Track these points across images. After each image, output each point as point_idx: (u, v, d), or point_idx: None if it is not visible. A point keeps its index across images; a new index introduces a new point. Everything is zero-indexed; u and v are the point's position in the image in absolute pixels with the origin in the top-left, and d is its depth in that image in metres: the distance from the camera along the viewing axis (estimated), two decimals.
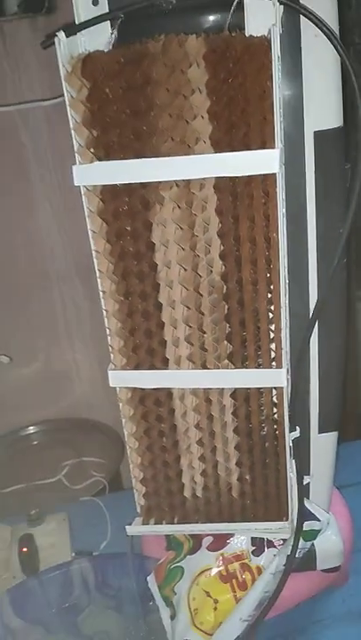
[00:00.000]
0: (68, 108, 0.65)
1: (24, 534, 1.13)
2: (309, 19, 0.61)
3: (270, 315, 0.71)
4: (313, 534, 0.86)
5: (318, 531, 0.86)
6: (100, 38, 0.67)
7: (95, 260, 0.71)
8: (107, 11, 0.66)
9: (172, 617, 0.90)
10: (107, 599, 0.99)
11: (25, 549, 1.09)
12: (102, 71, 0.63)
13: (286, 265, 0.71)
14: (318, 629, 0.98)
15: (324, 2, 0.63)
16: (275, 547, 0.88)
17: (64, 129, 0.68)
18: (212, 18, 0.65)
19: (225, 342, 0.74)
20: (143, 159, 0.65)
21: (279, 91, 0.62)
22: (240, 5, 0.63)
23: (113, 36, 0.66)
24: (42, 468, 1.65)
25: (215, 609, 0.86)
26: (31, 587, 0.99)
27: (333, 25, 0.64)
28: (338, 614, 1.00)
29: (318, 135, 0.68)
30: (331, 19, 0.63)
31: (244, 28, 0.63)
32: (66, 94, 0.65)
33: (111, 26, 0.66)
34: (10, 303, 1.77)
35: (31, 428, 1.84)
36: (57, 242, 1.76)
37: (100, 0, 0.66)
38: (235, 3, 0.61)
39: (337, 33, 0.64)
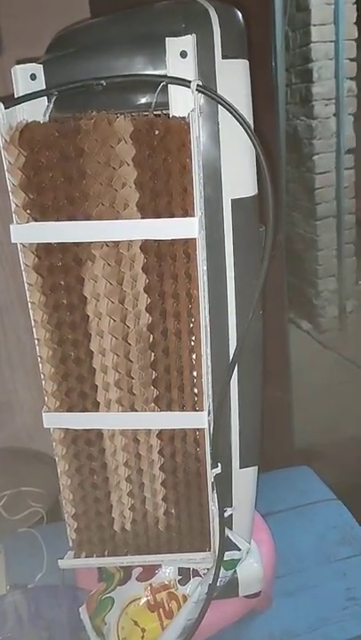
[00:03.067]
0: (7, 173, 0.71)
1: None
2: (225, 107, 0.69)
3: (193, 362, 0.78)
4: (234, 563, 0.93)
5: (238, 560, 0.93)
6: (38, 108, 0.73)
7: (31, 311, 0.77)
8: (43, 86, 0.72)
9: None
10: (40, 631, 1.02)
11: None
12: (38, 142, 0.69)
13: (207, 316, 0.79)
14: None
15: (239, 89, 0.72)
16: (200, 575, 0.94)
17: None
18: (140, 97, 0.72)
19: (151, 387, 0.80)
20: (75, 221, 0.72)
21: (199, 166, 0.70)
22: (166, 87, 0.70)
23: (50, 107, 0.73)
24: None
25: (143, 637, 0.91)
26: None
27: (247, 109, 0.72)
28: (260, 637, 1.06)
29: (235, 202, 0.76)
30: (244, 103, 0.72)
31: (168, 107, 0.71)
32: (4, 160, 0.70)
33: (47, 99, 0.72)
34: None
35: None
36: None
37: (37, 75, 0.72)
38: (159, 88, 0.69)
39: (250, 114, 0.73)
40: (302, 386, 2.03)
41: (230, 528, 0.93)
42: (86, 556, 0.90)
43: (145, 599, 0.94)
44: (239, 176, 0.76)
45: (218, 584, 0.89)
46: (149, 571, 0.95)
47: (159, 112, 0.71)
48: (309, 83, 2.75)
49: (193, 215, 0.71)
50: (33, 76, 0.73)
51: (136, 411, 0.81)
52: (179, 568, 0.95)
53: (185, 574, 0.94)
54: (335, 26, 2.69)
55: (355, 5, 2.70)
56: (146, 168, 0.70)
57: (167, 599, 0.94)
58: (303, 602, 1.12)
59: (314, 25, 2.67)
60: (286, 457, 1.85)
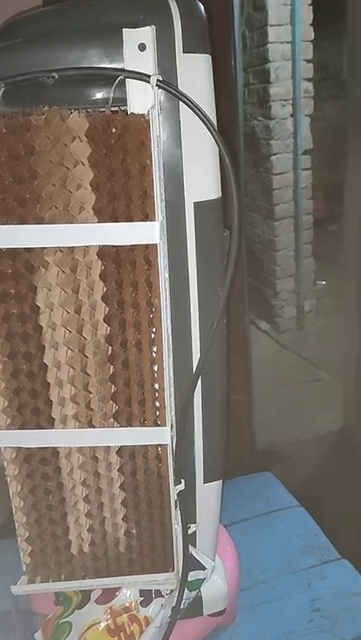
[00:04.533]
0: None
1: None
2: (187, 104, 0.65)
3: (154, 375, 0.74)
4: (198, 584, 0.89)
5: (203, 580, 0.89)
6: None
7: None
8: None
9: None
10: None
11: None
12: None
13: (169, 326, 0.74)
14: None
15: (201, 86, 0.68)
16: (163, 596, 0.90)
17: None
18: (95, 92, 0.67)
19: (110, 402, 0.75)
20: (26, 225, 0.66)
21: (159, 167, 0.65)
22: (124, 81, 0.66)
23: None
24: None
25: None
26: None
27: (210, 107, 0.68)
28: None
29: (198, 205, 0.72)
30: (207, 101, 0.68)
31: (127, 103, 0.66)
32: None
33: None
34: None
35: None
36: None
37: None
38: (115, 83, 0.64)
39: (213, 112, 0.69)
40: (262, 386, 2.01)
41: (194, 545, 0.89)
42: (41, 581, 0.84)
43: (105, 623, 0.89)
44: (202, 178, 0.71)
45: (182, 606, 0.85)
46: (109, 593, 0.90)
47: (117, 108, 0.66)
48: (267, 83, 2.74)
49: (153, 219, 0.66)
50: None
51: (94, 427, 0.75)
52: (140, 589, 0.90)
53: (147, 595, 0.90)
54: (292, 27, 2.68)
55: (311, 7, 2.70)
56: (103, 168, 0.65)
57: (128, 622, 0.89)
58: (268, 615, 1.09)
59: (271, 25, 2.66)
60: (248, 459, 1.83)
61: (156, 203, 0.65)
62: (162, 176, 0.67)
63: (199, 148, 0.70)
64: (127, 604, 0.90)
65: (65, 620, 0.91)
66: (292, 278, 3.09)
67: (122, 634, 0.88)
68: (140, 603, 0.90)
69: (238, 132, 2.93)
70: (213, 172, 0.72)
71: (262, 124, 2.86)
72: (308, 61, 2.77)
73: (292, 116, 2.81)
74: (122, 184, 0.65)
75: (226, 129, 0.86)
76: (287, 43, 2.71)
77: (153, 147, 0.63)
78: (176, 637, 0.89)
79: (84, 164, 0.64)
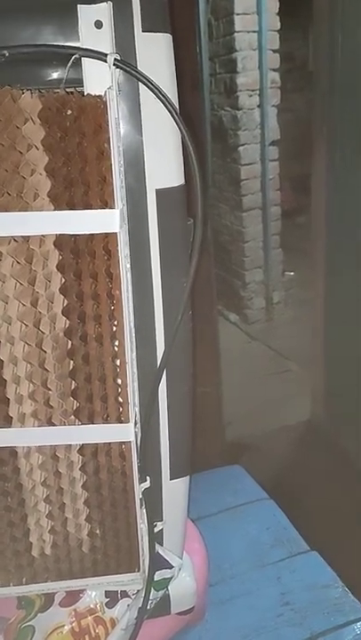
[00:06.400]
0: None
1: None
2: (146, 85, 0.62)
3: (117, 370, 0.71)
4: (165, 583, 0.86)
5: (170, 578, 0.87)
6: None
7: None
8: None
9: None
10: None
11: None
12: None
13: (132, 319, 0.71)
14: None
15: (162, 66, 0.64)
16: (129, 596, 0.87)
17: None
18: (49, 72, 0.63)
19: (71, 398, 0.72)
20: None
21: (118, 152, 0.62)
22: (79, 60, 0.62)
23: None
24: None
25: None
26: None
27: (171, 89, 0.65)
28: None
29: (160, 193, 0.69)
30: (168, 82, 0.65)
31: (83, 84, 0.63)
32: None
33: None
34: None
35: None
36: None
37: None
38: (70, 62, 0.60)
39: (174, 95, 0.66)
40: (231, 378, 2.00)
41: (161, 544, 0.87)
42: (2, 586, 0.81)
43: (69, 626, 0.86)
44: (164, 164, 0.68)
45: (149, 606, 0.83)
46: (73, 595, 0.87)
47: (72, 89, 0.62)
48: (234, 73, 2.71)
49: (113, 207, 0.63)
50: None
51: (54, 425, 0.72)
52: (105, 590, 0.87)
53: (112, 596, 0.87)
54: (258, 16, 2.66)
55: None
56: (58, 153, 0.61)
57: (93, 624, 0.86)
58: (237, 611, 1.08)
59: (237, 14, 2.63)
60: (217, 452, 1.82)
61: (116, 189, 0.62)
62: (121, 161, 0.64)
63: (161, 132, 0.67)
64: (92, 606, 0.87)
65: (28, 624, 0.87)
66: (261, 269, 3.08)
67: (87, 636, 0.85)
68: (106, 604, 0.88)
69: (205, 121, 2.90)
70: (176, 158, 0.69)
71: (230, 115, 2.83)
72: (274, 51, 2.75)
73: (259, 106, 2.79)
74: (79, 169, 0.62)
75: (191, 118, 0.83)
76: (254, 32, 2.68)
77: (111, 130, 0.60)
78: (144, 637, 0.86)
79: (37, 148, 0.61)
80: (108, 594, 0.87)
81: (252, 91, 2.76)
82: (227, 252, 3.12)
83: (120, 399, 0.72)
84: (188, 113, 0.69)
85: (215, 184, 3.07)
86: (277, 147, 2.90)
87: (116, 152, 0.61)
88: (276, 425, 2.21)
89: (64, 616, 0.86)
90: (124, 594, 0.87)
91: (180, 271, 0.73)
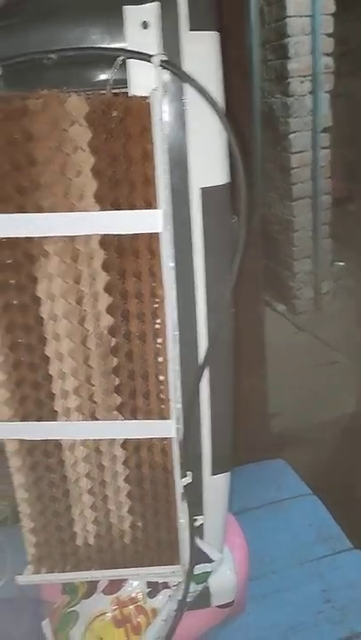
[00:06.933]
0: None
1: None
2: (192, 85, 0.61)
3: (159, 367, 0.72)
4: (205, 576, 0.87)
5: (210, 572, 0.88)
6: None
7: None
8: None
9: None
10: None
11: None
12: None
13: (175, 317, 0.72)
14: None
15: (208, 65, 0.64)
16: (170, 588, 0.89)
17: None
18: (95, 74, 0.64)
19: (114, 394, 0.73)
20: (25, 214, 0.64)
21: (163, 152, 0.63)
22: (125, 62, 0.62)
23: None
24: None
25: None
26: None
27: (217, 88, 0.64)
28: None
29: (205, 192, 0.69)
30: (214, 81, 0.64)
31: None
32: None
33: None
34: None
35: None
36: None
37: None
38: (116, 64, 0.61)
39: (220, 93, 0.65)
40: (277, 369, 1.98)
41: (201, 538, 0.88)
42: (47, 572, 0.84)
43: (111, 614, 0.88)
44: (209, 163, 0.68)
45: (188, 599, 0.84)
46: (116, 583, 0.89)
47: (117, 91, 0.63)
48: (285, 59, 2.66)
49: (157, 207, 0.63)
50: None
51: (97, 419, 0.74)
52: (147, 581, 0.89)
53: (154, 586, 0.89)
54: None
55: None
56: (103, 154, 0.62)
57: (135, 613, 0.88)
58: (278, 606, 1.08)
59: None
60: (262, 444, 1.81)
61: (160, 190, 0.63)
62: (166, 161, 0.64)
63: (205, 131, 0.66)
64: (134, 595, 0.89)
65: (72, 609, 0.90)
66: (310, 259, 3.03)
67: (128, 625, 0.87)
68: (148, 594, 0.89)
69: (254, 110, 2.86)
70: (221, 157, 0.69)
71: (280, 102, 2.78)
72: (328, 35, 2.68)
73: (311, 92, 2.73)
74: (124, 170, 0.62)
75: (237, 109, 0.82)
76: (307, 16, 2.62)
77: (156, 131, 0.61)
78: (184, 628, 0.88)
79: (84, 150, 0.62)
80: (149, 584, 0.89)
81: (304, 77, 2.71)
82: (275, 242, 3.08)
83: (162, 396, 0.73)
84: (235, 106, 0.69)
85: (265, 173, 3.03)
86: (329, 134, 2.84)
87: (160, 152, 0.62)
88: (322, 417, 2.18)
89: (107, 604, 0.89)
90: (166, 585, 0.89)
91: (223, 270, 0.73)
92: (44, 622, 0.93)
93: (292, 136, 2.78)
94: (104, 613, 0.88)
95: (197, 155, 0.67)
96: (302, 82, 2.71)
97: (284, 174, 2.88)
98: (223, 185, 0.70)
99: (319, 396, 2.28)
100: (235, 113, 0.68)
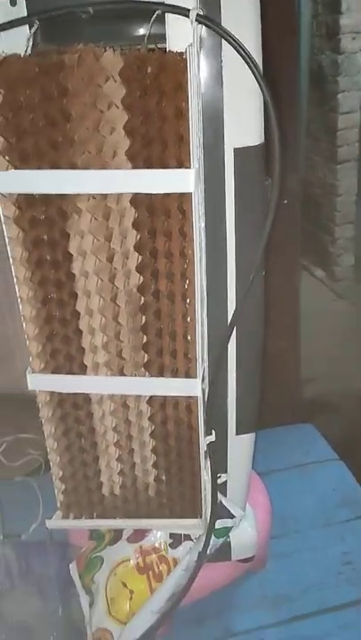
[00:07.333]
0: None
1: None
2: (229, 42, 0.60)
3: (187, 327, 0.72)
4: (226, 531, 0.90)
5: (231, 527, 0.90)
6: (19, 39, 0.65)
7: (12, 267, 0.71)
8: (25, 13, 0.64)
9: (91, 604, 0.93)
10: (29, 585, 1.01)
11: None
12: (17, 78, 0.61)
13: (204, 278, 0.72)
14: (233, 615, 1.03)
15: (247, 22, 0.63)
16: (191, 540, 0.92)
17: None
18: (132, 28, 0.63)
19: (142, 351, 0.75)
20: (59, 170, 0.65)
21: (197, 110, 0.62)
22: (162, 16, 0.62)
23: (31, 39, 0.64)
24: None
25: (130, 599, 0.90)
26: None
27: (255, 46, 0.63)
28: (253, 599, 1.05)
29: (238, 152, 0.68)
30: (252, 38, 0.63)
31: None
32: None
33: (29, 29, 0.64)
34: None
35: None
36: None
37: (18, 1, 0.64)
38: (153, 18, 0.60)
39: (258, 51, 0.64)
40: (313, 335, 1.97)
41: (224, 494, 0.90)
42: (74, 518, 0.88)
43: (134, 561, 0.92)
44: (244, 122, 0.67)
45: (209, 551, 0.87)
46: (140, 533, 0.93)
47: (154, 46, 0.62)
48: (337, 14, 2.55)
49: (189, 166, 0.63)
50: (13, 2, 0.64)
51: (125, 375, 0.76)
52: (170, 532, 0.92)
53: (176, 538, 0.92)
54: None
55: None
56: (137, 111, 0.62)
57: (157, 562, 0.92)
58: (299, 565, 1.11)
59: None
60: (293, 409, 1.81)
61: (193, 149, 0.62)
62: (200, 120, 0.64)
63: (242, 90, 0.65)
64: (157, 545, 0.92)
65: (97, 554, 0.95)
66: (352, 225, 2.96)
67: (150, 572, 0.91)
68: (170, 544, 0.93)
69: (302, 67, 2.77)
70: (256, 117, 0.68)
71: (329, 59, 2.68)
72: None
73: None
74: (157, 128, 0.62)
75: (286, 65, 0.79)
76: None
77: (190, 88, 0.60)
78: (205, 579, 0.91)
79: (118, 107, 0.62)
80: (172, 535, 0.92)
81: (356, 33, 2.59)
82: (317, 206, 3.01)
83: (189, 355, 0.74)
84: (282, 61, 0.67)
85: (310, 133, 2.94)
86: None
87: (194, 110, 0.61)
88: (357, 385, 2.17)
89: (130, 551, 0.93)
90: (188, 537, 0.92)
91: (254, 231, 0.72)
92: (72, 565, 0.98)
93: (340, 95, 2.68)
94: (127, 560, 0.92)
95: (232, 114, 0.66)
96: (354, 38, 2.60)
97: (330, 136, 2.79)
98: (257, 145, 0.69)
99: (355, 365, 2.26)
100: (280, 70, 0.66)
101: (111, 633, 0.88)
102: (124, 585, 0.90)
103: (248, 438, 0.88)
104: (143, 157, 0.64)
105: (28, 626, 1.00)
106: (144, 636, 0.85)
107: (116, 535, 0.94)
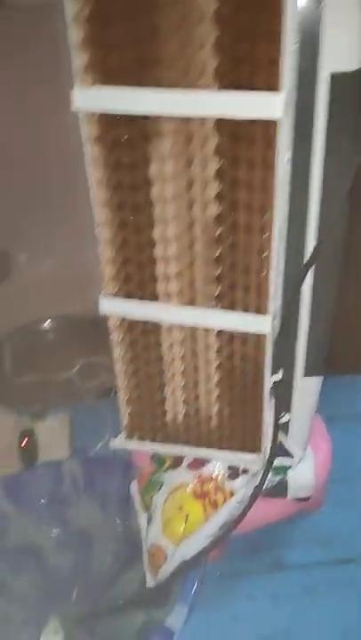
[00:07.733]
0: (69, 26, 0.62)
1: (26, 428, 1.20)
2: None
3: (262, 262, 0.71)
4: (284, 469, 0.90)
5: (289, 467, 0.90)
6: None
7: (91, 189, 0.70)
8: None
9: (149, 522, 0.97)
10: (93, 499, 1.07)
11: (24, 442, 1.17)
12: None
13: (285, 212, 0.70)
14: (284, 550, 1.05)
15: None
16: (249, 473, 0.93)
17: None
18: None
19: (214, 284, 0.74)
20: (146, 88, 0.62)
21: (292, 29, 0.58)
22: None
23: None
24: (54, 364, 1.72)
25: (185, 522, 0.93)
26: (25, 477, 1.08)
27: None
28: (305, 538, 1.07)
29: (335, 78, 0.63)
30: None
31: None
32: (67, 10, 0.61)
33: None
34: (33, 196, 1.74)
35: (48, 322, 1.87)
36: None
37: None
38: None
39: None
40: None
41: (286, 434, 0.90)
42: (138, 440, 0.91)
43: (192, 486, 0.94)
44: (343, 45, 0.62)
45: (265, 487, 0.88)
46: (200, 461, 0.95)
47: None
48: None
49: (278, 90, 0.59)
50: None
51: (196, 306, 0.75)
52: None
53: (234, 470, 0.94)
54: None
55: None
56: (228, 27, 0.58)
57: (214, 490, 0.94)
58: (355, 511, 1.11)
59: None
60: None
61: (284, 71, 0.58)
62: (295, 40, 0.59)
63: (344, 7, 0.60)
64: (215, 475, 0.94)
65: (158, 476, 0.98)
66: None
67: (207, 499, 0.93)
68: (228, 475, 0.94)
69: None
70: (357, 38, 0.62)
71: None
72: None
73: None
74: (248, 46, 0.58)
75: None
76: None
77: (287, 2, 0.55)
78: (258, 513, 0.93)
79: (208, 21, 0.58)
80: (230, 467, 0.94)
81: None
82: None
83: (262, 291, 0.73)
84: None
85: None
86: None
87: (288, 29, 0.57)
88: None
89: (189, 477, 0.95)
90: (246, 470, 0.93)
91: (344, 165, 0.68)
92: (133, 483, 1.02)
93: None
94: (186, 485, 0.95)
95: (331, 35, 0.61)
96: None
97: None
98: (356, 70, 0.64)
99: None
100: None
101: (165, 551, 0.92)
102: (181, 508, 0.93)
103: (315, 381, 0.87)
104: (231, 78, 0.60)
105: (90, 534, 1.06)
106: (196, 556, 0.88)
107: (177, 461, 0.97)
